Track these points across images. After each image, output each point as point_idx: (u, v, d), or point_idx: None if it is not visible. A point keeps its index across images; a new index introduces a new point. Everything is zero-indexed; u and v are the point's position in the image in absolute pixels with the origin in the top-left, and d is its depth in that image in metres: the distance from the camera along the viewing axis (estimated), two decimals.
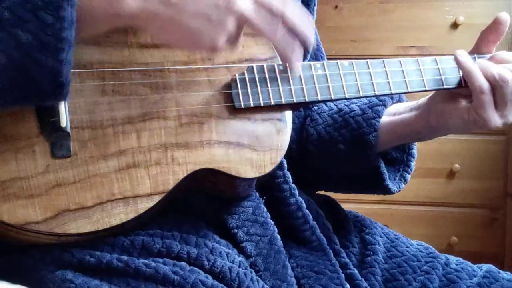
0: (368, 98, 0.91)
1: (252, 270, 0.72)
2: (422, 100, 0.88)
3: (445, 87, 0.83)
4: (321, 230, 0.84)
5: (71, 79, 0.65)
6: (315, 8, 0.95)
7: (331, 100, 0.80)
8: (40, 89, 0.55)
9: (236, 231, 0.75)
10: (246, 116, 0.74)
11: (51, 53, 0.54)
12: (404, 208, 2.10)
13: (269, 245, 0.75)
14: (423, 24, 2.02)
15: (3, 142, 0.62)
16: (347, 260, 0.82)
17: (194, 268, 0.67)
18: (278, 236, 0.77)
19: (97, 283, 0.63)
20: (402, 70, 0.82)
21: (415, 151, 0.95)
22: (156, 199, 0.67)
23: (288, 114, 0.77)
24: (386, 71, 0.82)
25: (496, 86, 0.78)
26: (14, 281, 0.63)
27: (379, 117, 0.88)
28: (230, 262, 0.69)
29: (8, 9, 0.53)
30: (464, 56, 0.82)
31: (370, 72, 0.81)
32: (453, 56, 0.85)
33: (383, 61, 0.82)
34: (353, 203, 2.05)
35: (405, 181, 0.94)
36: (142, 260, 0.65)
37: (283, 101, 0.76)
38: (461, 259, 0.90)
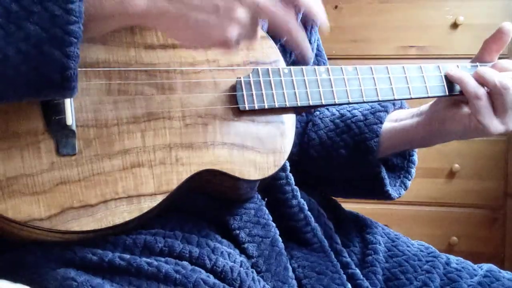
0: (370, 104, 0.92)
1: (254, 270, 0.72)
2: (424, 106, 0.89)
3: (447, 93, 0.84)
4: (323, 230, 0.84)
5: (79, 77, 0.66)
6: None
7: (335, 105, 0.81)
8: (48, 82, 0.55)
9: (238, 232, 0.75)
10: (250, 118, 0.75)
11: (58, 45, 0.53)
12: (404, 208, 2.10)
13: (271, 246, 0.76)
14: (423, 24, 2.03)
15: (9, 138, 0.62)
16: (348, 259, 0.82)
17: (196, 267, 0.67)
18: (280, 238, 0.77)
19: (99, 281, 0.63)
20: (405, 76, 0.83)
21: (415, 157, 0.95)
22: (160, 198, 0.68)
23: (292, 118, 0.78)
24: (389, 77, 0.82)
25: (496, 93, 0.79)
26: (16, 279, 0.62)
27: (381, 123, 0.89)
28: (232, 262, 0.69)
29: (16, 2, 0.53)
30: (450, 68, 0.84)
31: (373, 77, 0.82)
32: (456, 64, 0.86)
33: (386, 67, 0.83)
34: (353, 203, 2.04)
35: (406, 188, 0.94)
36: (144, 259, 0.65)
37: (288, 104, 0.76)
38: (461, 258, 0.90)
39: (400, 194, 0.93)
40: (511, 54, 1.83)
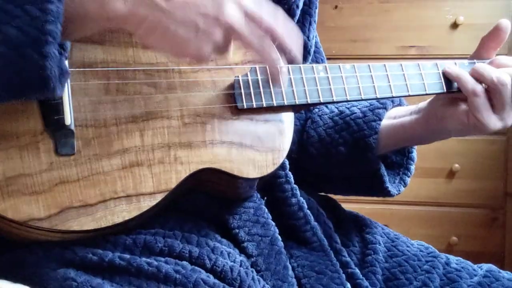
0: (369, 101, 0.92)
1: (253, 270, 0.72)
2: (422, 104, 0.89)
3: (445, 91, 0.84)
4: (322, 229, 0.84)
5: (76, 78, 0.67)
6: (316, 11, 0.95)
7: (333, 102, 0.81)
8: (27, 84, 0.55)
9: (237, 231, 0.75)
10: (248, 117, 0.75)
11: (35, 46, 0.53)
12: (404, 208, 2.10)
13: (270, 245, 0.76)
14: (423, 24, 2.03)
15: (8, 139, 0.62)
16: (348, 259, 0.82)
17: (196, 267, 0.67)
18: (279, 237, 0.78)
19: (99, 281, 0.63)
20: (403, 74, 0.83)
21: (414, 154, 0.95)
22: (159, 197, 0.68)
23: (290, 116, 0.78)
24: (387, 75, 0.82)
25: (495, 89, 0.79)
26: (16, 279, 0.62)
27: (380, 119, 0.89)
28: (232, 262, 0.69)
29: None
30: (447, 65, 0.84)
31: (371, 75, 0.82)
32: (454, 62, 0.86)
33: (384, 64, 0.83)
34: (353, 203, 2.05)
35: (405, 184, 0.94)
36: (144, 259, 0.65)
37: (285, 102, 0.76)
38: (461, 258, 0.90)
39: (399, 191, 0.93)
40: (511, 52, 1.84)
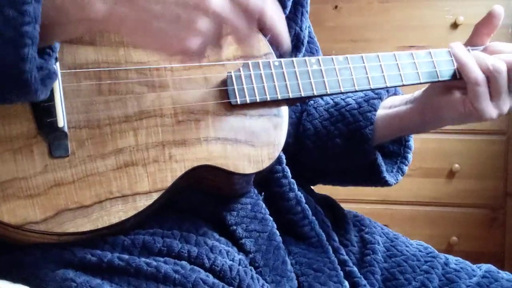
0: (364, 92, 0.91)
1: (252, 268, 0.72)
2: (417, 93, 0.89)
3: (439, 79, 0.84)
4: (320, 226, 0.84)
5: (68, 79, 0.66)
6: (308, 1, 0.95)
7: (327, 95, 0.80)
8: (8, 88, 0.54)
9: (235, 227, 0.75)
10: (242, 112, 0.75)
11: (12, 48, 0.51)
12: (404, 208, 2.11)
13: (268, 241, 0.76)
14: (423, 24, 2.03)
15: (1, 143, 0.62)
16: (346, 257, 0.82)
17: (195, 267, 0.67)
18: (277, 232, 0.77)
19: (98, 282, 0.63)
20: (397, 64, 0.83)
21: (411, 143, 0.95)
22: (155, 196, 0.68)
23: (284, 109, 0.78)
24: (381, 65, 0.82)
25: (490, 77, 0.79)
26: (15, 280, 0.63)
27: (375, 110, 0.89)
28: (230, 260, 0.69)
29: None
30: (458, 48, 0.82)
31: (365, 66, 0.81)
32: (447, 49, 0.85)
33: (377, 55, 0.83)
34: (353, 203, 2.05)
35: (403, 173, 0.94)
36: (143, 259, 0.65)
37: (279, 96, 0.76)
38: (460, 259, 0.90)
39: (397, 180, 0.93)
40: None
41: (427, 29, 2.02)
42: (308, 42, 0.98)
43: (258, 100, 0.75)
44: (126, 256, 0.65)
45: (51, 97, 0.65)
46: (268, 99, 0.75)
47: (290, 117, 0.89)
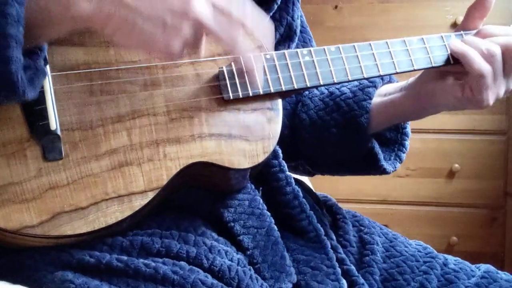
0: (358, 81, 0.91)
1: (251, 268, 0.72)
2: (412, 79, 0.88)
3: (433, 65, 0.83)
4: (318, 222, 0.84)
5: (59, 81, 0.66)
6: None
7: (320, 86, 0.80)
8: None
9: (232, 224, 0.75)
10: (236, 107, 0.74)
11: None
12: (404, 208, 2.11)
13: (266, 236, 0.75)
14: (423, 24, 2.03)
15: None
16: (343, 256, 0.82)
17: (194, 267, 0.66)
18: (275, 227, 0.77)
19: (97, 283, 0.63)
20: (390, 51, 0.82)
21: (408, 130, 0.94)
22: (151, 195, 0.67)
23: (278, 102, 0.77)
24: (373, 53, 0.82)
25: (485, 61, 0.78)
26: (14, 282, 0.63)
27: (370, 98, 0.88)
28: (229, 260, 0.69)
29: None
30: (454, 45, 0.81)
31: (357, 55, 0.81)
32: (440, 35, 0.85)
33: (370, 43, 0.82)
34: (353, 203, 2.06)
35: (401, 161, 0.94)
36: (141, 260, 0.65)
37: (272, 89, 0.76)
38: (459, 259, 0.89)
39: (395, 167, 0.93)
40: None
41: (427, 29, 2.01)
42: (300, 31, 0.98)
43: (251, 94, 0.75)
44: (124, 257, 0.65)
45: (43, 100, 0.64)
46: (261, 92, 0.75)
47: (285, 108, 0.89)
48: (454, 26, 1.98)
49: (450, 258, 0.89)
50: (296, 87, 0.77)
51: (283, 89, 0.76)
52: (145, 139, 0.69)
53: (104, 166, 0.66)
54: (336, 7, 2.09)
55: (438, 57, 0.83)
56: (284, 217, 0.81)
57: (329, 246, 0.80)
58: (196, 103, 0.72)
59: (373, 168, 0.92)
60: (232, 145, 0.73)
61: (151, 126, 0.70)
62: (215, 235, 0.73)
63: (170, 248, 0.68)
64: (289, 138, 0.93)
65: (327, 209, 0.93)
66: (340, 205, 0.97)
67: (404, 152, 0.94)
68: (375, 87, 0.90)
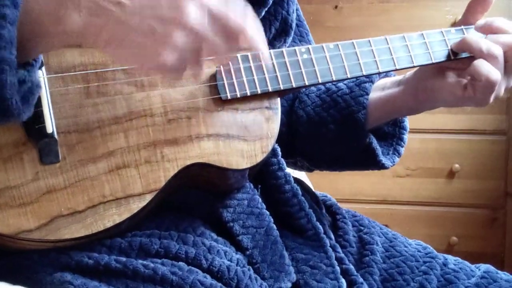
0: None
1: (250, 268, 0.71)
2: (409, 74, 0.88)
3: (433, 61, 0.82)
4: (317, 220, 0.83)
5: (55, 84, 0.65)
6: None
7: (319, 84, 0.79)
8: None
9: (231, 224, 0.74)
10: (233, 107, 0.74)
11: None
12: (404, 208, 2.12)
13: (265, 236, 0.75)
14: (423, 24, 2.01)
15: None
16: (342, 255, 0.81)
17: (193, 268, 0.66)
18: (274, 226, 0.77)
19: (96, 284, 0.63)
20: (389, 48, 0.82)
21: (406, 124, 0.94)
22: (149, 197, 0.67)
23: (276, 101, 0.77)
24: (372, 50, 0.81)
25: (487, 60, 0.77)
26: (14, 283, 0.63)
27: (367, 94, 0.88)
28: (228, 261, 0.68)
29: None
30: (473, 38, 0.79)
31: (356, 52, 0.80)
32: (440, 30, 0.84)
33: (369, 40, 0.82)
34: (353, 203, 2.06)
35: (399, 155, 0.93)
36: (140, 261, 0.65)
37: (270, 89, 0.75)
38: (459, 259, 0.89)
39: (394, 162, 0.92)
40: None
41: (427, 29, 1.99)
42: (297, 25, 0.97)
43: (248, 94, 0.74)
44: (123, 259, 0.65)
45: (39, 103, 0.64)
46: (259, 92, 0.74)
47: (282, 105, 0.88)
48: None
49: (450, 258, 0.88)
50: (294, 85, 0.76)
51: (281, 88, 0.75)
52: (142, 141, 0.68)
53: (101, 169, 0.66)
54: (336, 7, 2.09)
55: (438, 53, 0.83)
56: (283, 215, 0.81)
57: (328, 245, 0.80)
58: (193, 103, 0.72)
59: (372, 163, 0.91)
60: (230, 145, 0.72)
61: (148, 127, 0.69)
62: (214, 235, 0.72)
63: (169, 249, 0.67)
64: (286, 135, 0.93)
65: (326, 208, 0.93)
66: (340, 205, 0.96)
67: (402, 146, 0.94)
68: (372, 82, 0.89)
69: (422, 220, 2.10)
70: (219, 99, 0.73)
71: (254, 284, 0.68)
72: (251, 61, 0.75)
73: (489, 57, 0.77)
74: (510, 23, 0.81)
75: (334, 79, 0.78)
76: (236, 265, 0.68)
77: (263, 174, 0.81)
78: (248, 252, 0.73)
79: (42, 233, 0.62)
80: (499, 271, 0.85)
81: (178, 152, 0.69)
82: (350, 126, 0.88)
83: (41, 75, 0.64)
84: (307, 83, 0.77)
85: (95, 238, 0.66)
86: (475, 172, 2.06)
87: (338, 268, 0.78)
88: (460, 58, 0.82)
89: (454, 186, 2.08)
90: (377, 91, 0.89)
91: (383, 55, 0.81)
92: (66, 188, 0.64)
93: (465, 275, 0.83)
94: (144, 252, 0.67)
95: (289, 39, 0.93)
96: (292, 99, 0.96)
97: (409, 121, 0.94)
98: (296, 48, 0.78)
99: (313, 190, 0.97)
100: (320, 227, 0.82)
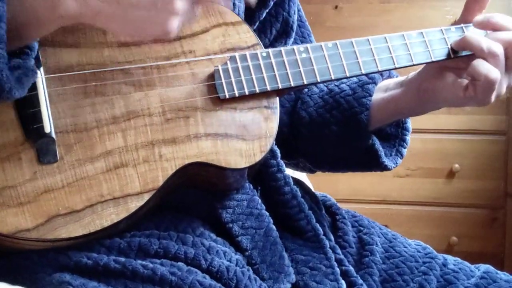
0: (357, 77, 0.90)
1: (250, 268, 0.71)
2: (412, 74, 0.87)
3: (433, 59, 0.82)
4: (316, 221, 0.83)
5: (53, 84, 0.66)
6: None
7: (317, 83, 0.79)
8: None
9: (231, 225, 0.74)
10: (232, 106, 0.74)
11: None
12: (404, 208, 2.11)
13: (265, 237, 0.75)
14: (423, 24, 2.01)
15: None
16: (342, 256, 0.81)
17: (192, 268, 0.66)
18: (274, 227, 0.77)
19: (95, 284, 0.63)
20: (388, 46, 0.81)
21: (409, 125, 0.93)
22: (147, 197, 0.67)
23: (275, 101, 0.76)
24: (371, 48, 0.80)
25: (486, 58, 0.77)
26: (13, 283, 0.63)
27: (370, 95, 0.87)
28: (228, 261, 0.68)
29: None
30: (473, 37, 0.79)
31: (355, 51, 0.80)
32: (440, 28, 0.83)
33: (368, 39, 0.81)
34: (353, 203, 2.06)
35: (402, 156, 0.93)
36: (139, 262, 0.65)
37: (268, 88, 0.75)
38: (459, 259, 0.88)
39: (396, 163, 0.92)
40: None
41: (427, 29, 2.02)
42: (299, 26, 0.97)
43: (247, 93, 0.74)
44: (122, 259, 0.65)
45: (37, 103, 0.64)
46: (257, 91, 0.74)
47: (284, 106, 0.88)
48: None
49: (450, 259, 0.88)
50: (292, 84, 0.76)
51: (280, 87, 0.75)
52: (140, 140, 0.68)
53: (99, 168, 0.66)
54: (336, 7, 2.09)
55: (438, 51, 0.82)
56: (282, 217, 0.81)
57: (328, 246, 0.80)
58: (191, 102, 0.72)
59: (374, 164, 0.91)
60: (229, 144, 0.72)
61: (146, 127, 0.69)
62: (213, 236, 0.72)
63: (168, 249, 0.67)
64: (288, 136, 0.92)
65: (326, 209, 0.92)
66: (340, 205, 0.96)
67: (405, 148, 0.93)
68: (375, 83, 0.89)
69: (422, 220, 2.10)
70: (217, 98, 0.73)
71: (253, 285, 0.68)
72: (249, 60, 0.75)
73: (490, 55, 0.76)
74: (509, 19, 0.81)
75: (333, 77, 0.78)
76: (236, 265, 0.68)
77: (262, 176, 0.81)
78: (247, 253, 0.73)
79: (40, 233, 0.62)
80: (498, 272, 0.85)
81: (176, 151, 0.69)
82: (353, 128, 0.87)
83: (39, 75, 0.64)
84: (305, 82, 0.76)
85: (93, 237, 0.66)
86: (475, 172, 2.06)
87: (337, 270, 0.77)
88: (460, 56, 0.82)
89: (454, 186, 2.08)
90: (380, 92, 0.89)
91: (383, 53, 0.81)
92: (64, 187, 0.64)
93: (464, 276, 0.83)
94: (143, 252, 0.67)
95: (290, 40, 0.93)
96: (294, 100, 0.96)
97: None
98: (295, 47, 0.78)
99: (313, 190, 0.97)
100: (320, 228, 0.81)
